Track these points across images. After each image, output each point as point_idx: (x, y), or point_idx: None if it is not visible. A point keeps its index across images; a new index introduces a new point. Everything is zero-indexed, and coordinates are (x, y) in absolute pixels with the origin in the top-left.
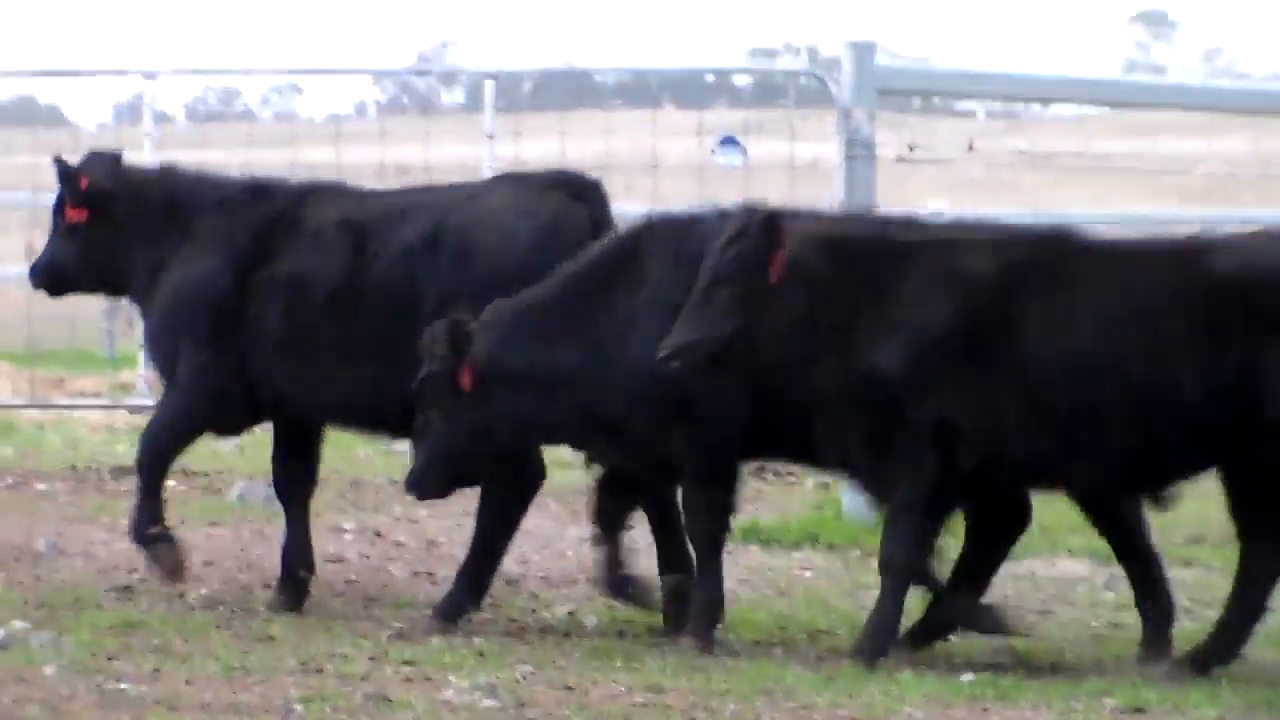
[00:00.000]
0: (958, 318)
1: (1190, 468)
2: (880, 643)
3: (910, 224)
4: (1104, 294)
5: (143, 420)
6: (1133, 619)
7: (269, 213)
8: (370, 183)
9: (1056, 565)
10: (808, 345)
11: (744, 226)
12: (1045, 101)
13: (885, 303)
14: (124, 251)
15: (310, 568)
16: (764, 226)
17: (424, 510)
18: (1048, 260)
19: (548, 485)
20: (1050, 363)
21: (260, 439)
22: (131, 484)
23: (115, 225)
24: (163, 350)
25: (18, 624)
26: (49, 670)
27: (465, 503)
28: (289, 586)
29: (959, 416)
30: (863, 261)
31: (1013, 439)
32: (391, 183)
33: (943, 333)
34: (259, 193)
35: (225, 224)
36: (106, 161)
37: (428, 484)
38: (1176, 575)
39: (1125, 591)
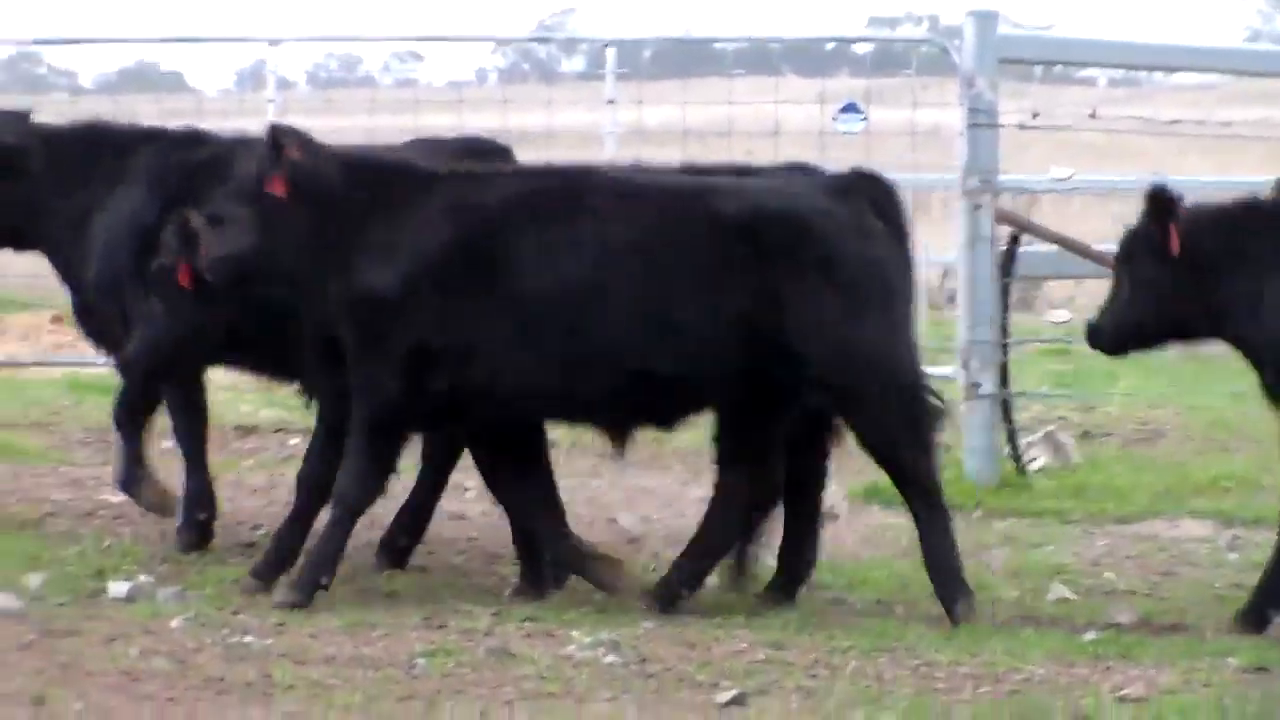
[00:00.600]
0: (451, 247)
1: (699, 400)
2: (314, 576)
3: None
4: (606, 230)
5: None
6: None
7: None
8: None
9: (1179, 526)
10: (312, 263)
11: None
12: (1168, 70)
13: (391, 228)
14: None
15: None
16: (273, 146)
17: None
18: (556, 196)
19: (670, 446)
20: (543, 295)
21: None
22: (257, 442)
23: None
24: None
25: (144, 578)
26: (175, 623)
27: (587, 463)
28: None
29: (438, 343)
30: (377, 187)
31: (502, 369)
32: (515, 149)
33: (435, 260)
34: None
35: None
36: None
37: (133, 369)
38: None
39: (1249, 552)
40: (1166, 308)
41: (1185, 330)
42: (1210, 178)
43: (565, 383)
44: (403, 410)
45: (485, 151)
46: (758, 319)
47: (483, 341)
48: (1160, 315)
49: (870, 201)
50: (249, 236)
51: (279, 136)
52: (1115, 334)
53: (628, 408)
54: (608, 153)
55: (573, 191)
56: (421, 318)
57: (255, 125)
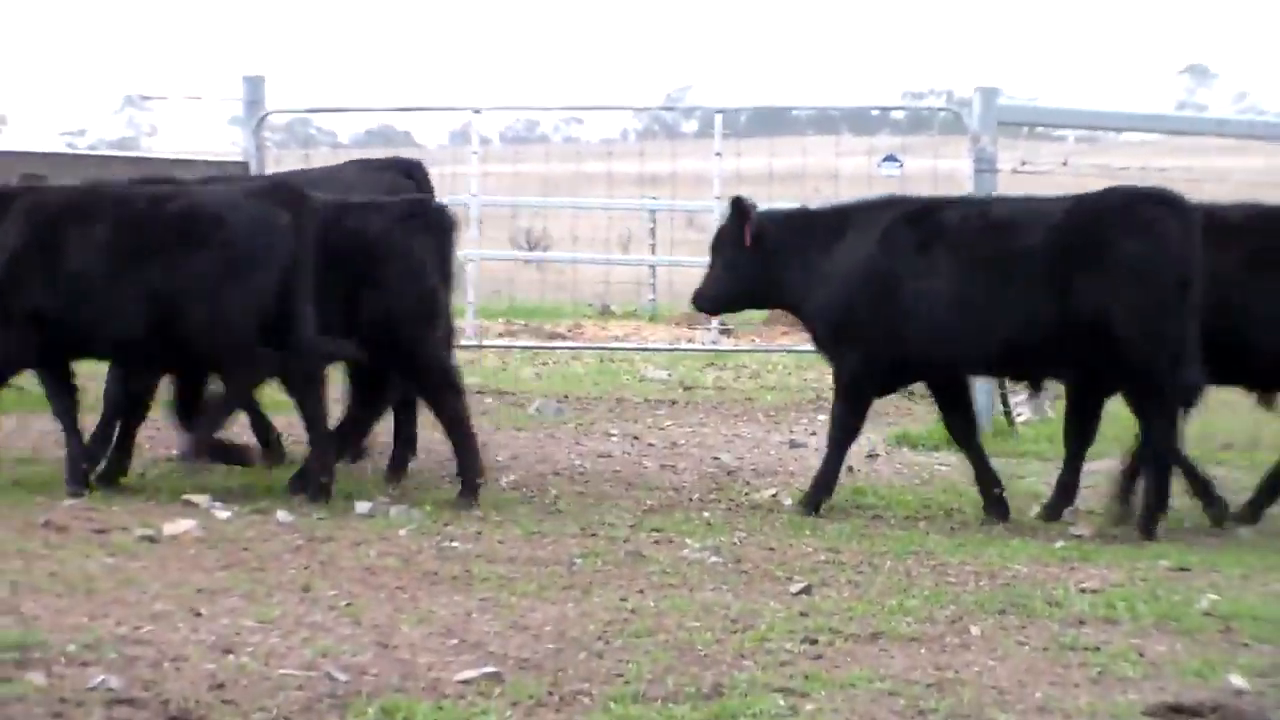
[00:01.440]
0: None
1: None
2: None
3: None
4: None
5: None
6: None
7: None
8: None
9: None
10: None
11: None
12: (1119, 130)
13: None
14: None
15: None
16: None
17: (669, 420)
18: (85, 203)
19: (757, 403)
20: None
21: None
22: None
23: None
24: None
25: (380, 499)
26: (402, 532)
27: (702, 415)
28: None
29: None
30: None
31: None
32: (648, 188)
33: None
34: None
35: None
36: None
37: None
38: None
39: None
40: (744, 283)
41: (758, 299)
42: None
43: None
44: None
45: (407, 168)
46: None
47: None
48: (739, 287)
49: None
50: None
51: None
52: (711, 300)
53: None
54: (714, 192)
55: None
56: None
57: (465, 170)
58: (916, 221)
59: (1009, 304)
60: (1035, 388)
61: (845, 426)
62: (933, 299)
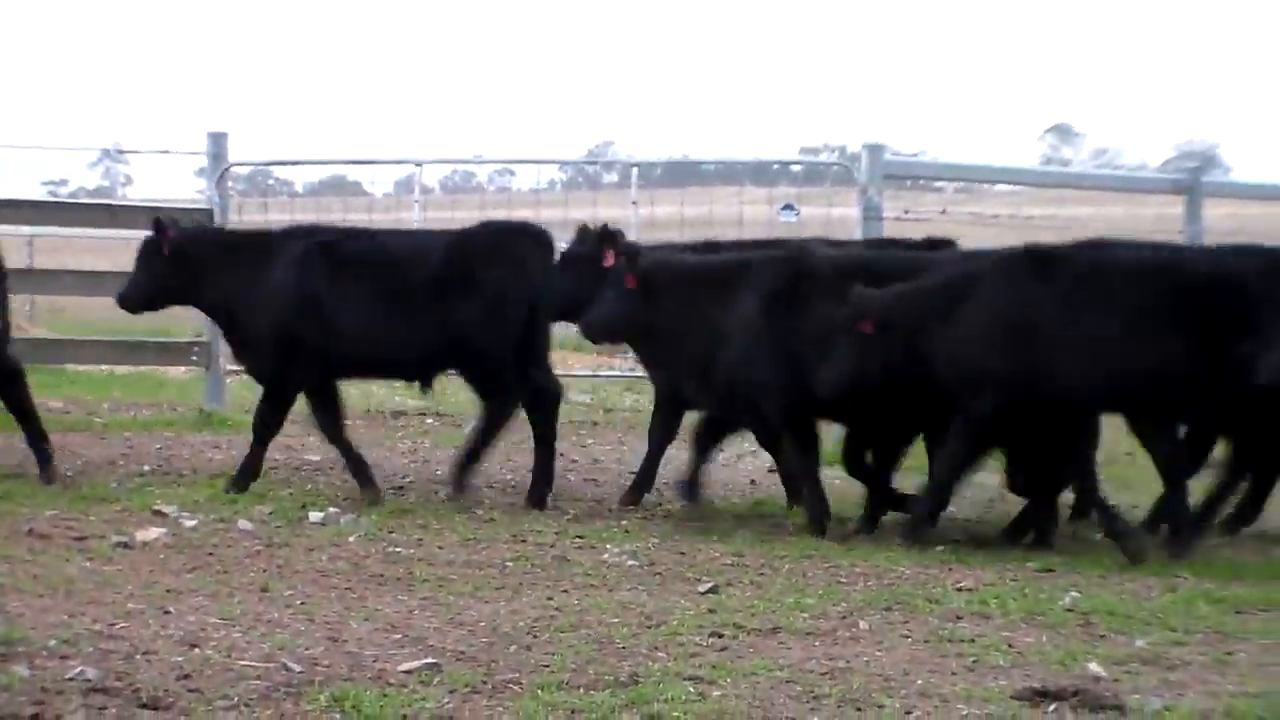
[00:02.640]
0: None
1: None
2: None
3: None
4: None
5: None
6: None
7: None
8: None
9: (995, 475)
10: None
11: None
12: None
13: None
14: None
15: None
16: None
17: (591, 439)
18: None
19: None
20: None
21: None
22: (404, 423)
23: None
24: None
25: (332, 509)
26: (351, 539)
27: (621, 434)
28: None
29: None
30: None
31: None
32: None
33: None
34: None
35: None
36: None
37: None
38: None
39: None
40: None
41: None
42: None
43: None
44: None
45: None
46: None
47: None
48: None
49: None
50: None
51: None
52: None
53: None
54: (631, 236)
55: None
56: None
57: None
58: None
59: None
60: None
61: None
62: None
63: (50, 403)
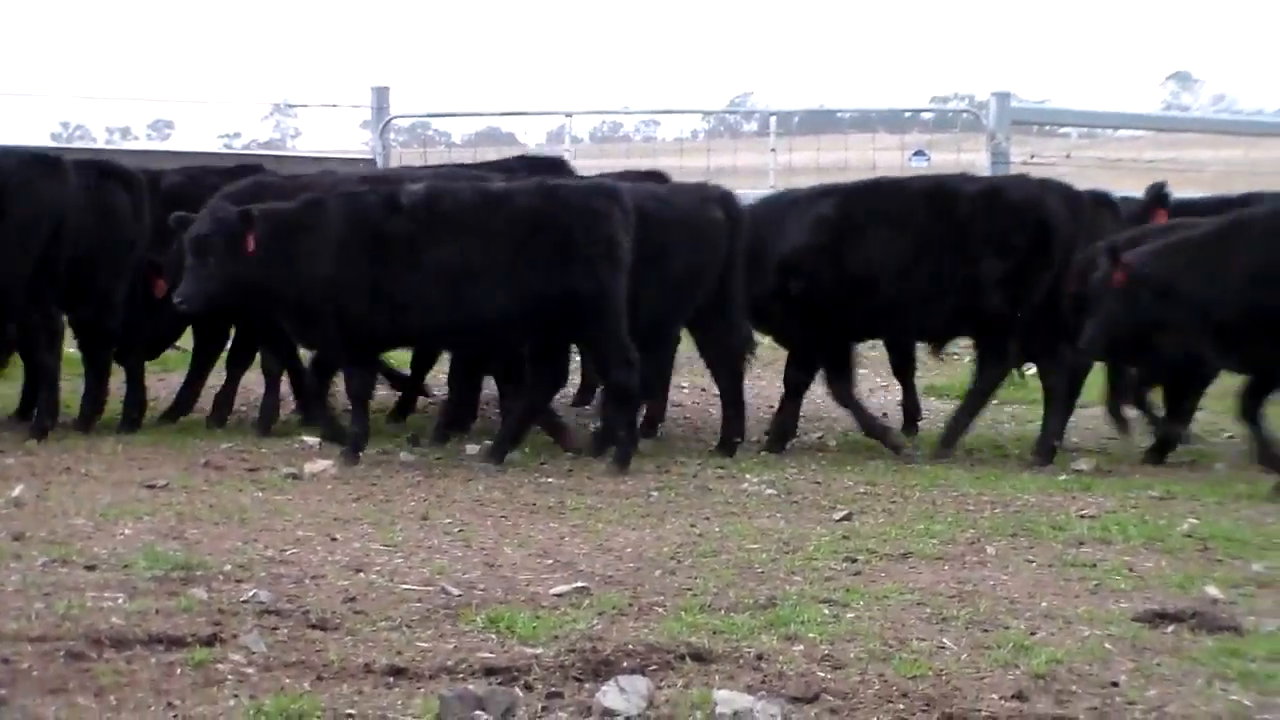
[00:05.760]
0: None
1: None
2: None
3: None
4: None
5: None
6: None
7: None
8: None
9: None
10: None
11: None
12: (1115, 128)
13: None
14: None
15: None
16: None
17: None
18: None
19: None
20: None
21: None
22: None
23: None
24: None
25: (486, 441)
26: (506, 471)
27: (759, 370)
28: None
29: None
30: None
31: None
32: (713, 179)
33: None
34: None
35: None
36: None
37: None
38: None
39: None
40: None
41: None
42: (1138, 195)
43: None
44: None
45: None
46: None
47: None
48: None
49: None
50: None
51: None
52: None
53: None
54: (769, 182)
55: None
56: None
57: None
58: None
59: None
60: None
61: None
62: None
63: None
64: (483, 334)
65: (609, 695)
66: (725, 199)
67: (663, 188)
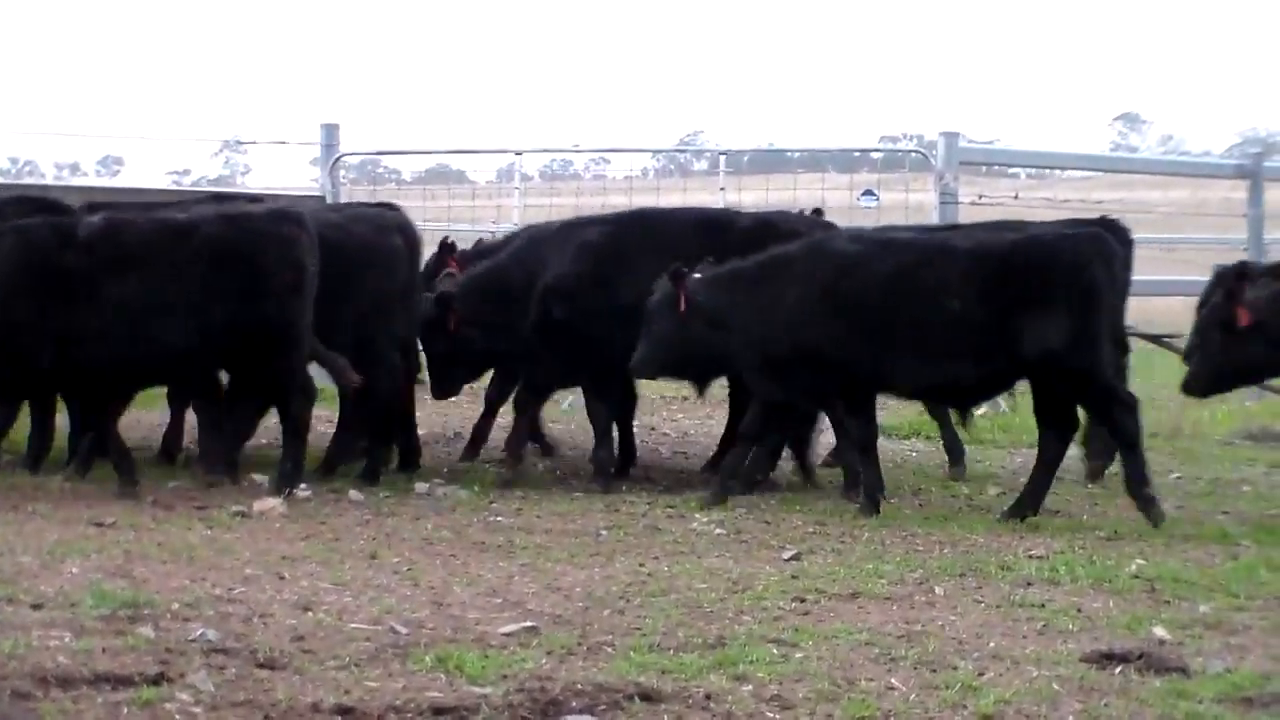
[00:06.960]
0: None
1: None
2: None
3: None
4: None
5: None
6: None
7: None
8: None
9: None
10: None
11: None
12: (1063, 168)
13: None
14: None
15: None
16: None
17: (681, 414)
18: None
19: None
20: None
21: None
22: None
23: None
24: None
25: (435, 481)
26: (455, 509)
27: (709, 410)
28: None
29: None
30: None
31: None
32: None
33: None
34: None
35: None
36: None
37: None
38: None
39: (1113, 466)
40: None
41: None
42: None
43: None
44: None
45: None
46: None
47: None
48: None
49: None
50: None
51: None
52: None
53: None
54: None
55: None
56: None
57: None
58: None
59: None
60: None
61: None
62: None
63: None
64: (165, 371)
65: None
66: (404, 227)
67: (341, 215)
